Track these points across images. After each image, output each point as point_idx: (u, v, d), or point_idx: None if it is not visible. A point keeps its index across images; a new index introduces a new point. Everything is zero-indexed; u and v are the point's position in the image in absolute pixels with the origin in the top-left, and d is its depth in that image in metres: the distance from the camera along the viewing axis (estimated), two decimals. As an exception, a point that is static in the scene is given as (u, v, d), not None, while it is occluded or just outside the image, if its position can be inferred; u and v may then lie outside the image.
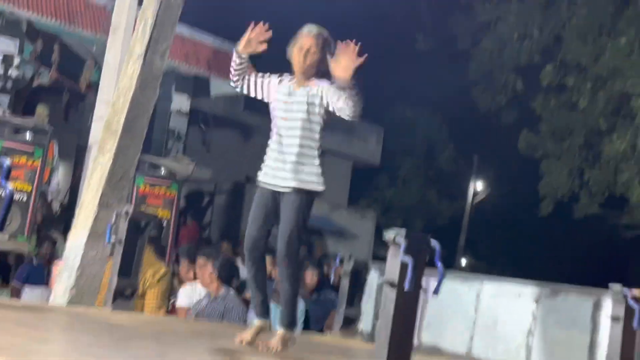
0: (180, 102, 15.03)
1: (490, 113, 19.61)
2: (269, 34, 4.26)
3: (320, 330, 7.19)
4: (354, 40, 3.94)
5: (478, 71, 18.84)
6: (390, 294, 3.48)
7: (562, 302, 4.80)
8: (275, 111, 4.31)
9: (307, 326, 6.95)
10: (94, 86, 12.08)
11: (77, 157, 13.10)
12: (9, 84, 12.57)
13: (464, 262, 29.36)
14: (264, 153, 4.33)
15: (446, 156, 27.10)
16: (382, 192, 27.25)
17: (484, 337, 5.25)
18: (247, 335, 4.21)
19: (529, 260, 26.86)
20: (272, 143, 4.30)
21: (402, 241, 3.47)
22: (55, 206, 12.36)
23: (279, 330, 4.21)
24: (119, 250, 5.32)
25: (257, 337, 4.20)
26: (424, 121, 26.08)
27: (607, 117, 15.85)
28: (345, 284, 6.70)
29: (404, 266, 3.46)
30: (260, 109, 4.79)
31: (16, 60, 12.57)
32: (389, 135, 23.15)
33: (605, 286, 4.26)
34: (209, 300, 6.18)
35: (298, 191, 4.20)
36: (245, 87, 4.40)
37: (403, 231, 3.49)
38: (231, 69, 4.35)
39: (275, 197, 4.26)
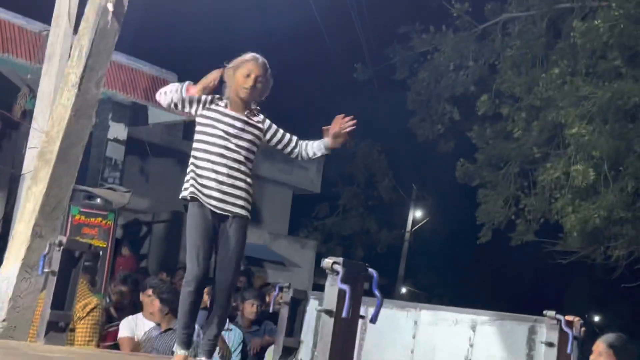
0: (118, 130, 14.81)
1: (428, 142, 19.88)
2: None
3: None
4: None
5: (416, 101, 19.12)
6: (328, 322, 3.48)
7: (498, 329, 4.85)
8: (211, 129, 4.23)
9: (244, 357, 6.88)
10: (28, 114, 11.84)
11: (10, 186, 12.81)
12: (-62, 113, 12.24)
13: (404, 290, 29.51)
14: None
15: (385, 185, 27.31)
16: (322, 221, 27.29)
17: (423, 365, 5.27)
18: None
19: (468, 287, 27.19)
20: (208, 162, 4.19)
21: (339, 269, 3.48)
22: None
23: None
24: (53, 282, 5.20)
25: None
26: (364, 150, 26.27)
27: (541, 146, 16.23)
28: (284, 313, 6.65)
29: (341, 294, 3.46)
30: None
31: (-53, 90, 12.28)
32: (329, 163, 23.23)
33: (540, 313, 4.34)
34: (159, 332, 6.05)
35: (246, 218, 4.17)
36: (180, 107, 4.31)
37: (340, 260, 3.51)
38: (171, 97, 4.25)
39: (217, 220, 4.18)
